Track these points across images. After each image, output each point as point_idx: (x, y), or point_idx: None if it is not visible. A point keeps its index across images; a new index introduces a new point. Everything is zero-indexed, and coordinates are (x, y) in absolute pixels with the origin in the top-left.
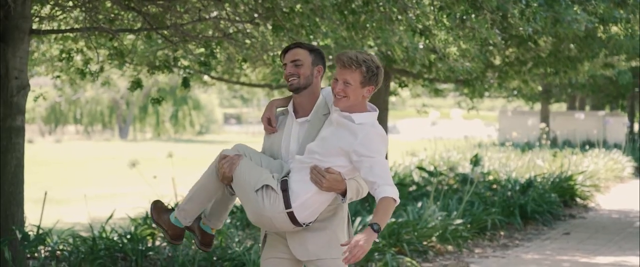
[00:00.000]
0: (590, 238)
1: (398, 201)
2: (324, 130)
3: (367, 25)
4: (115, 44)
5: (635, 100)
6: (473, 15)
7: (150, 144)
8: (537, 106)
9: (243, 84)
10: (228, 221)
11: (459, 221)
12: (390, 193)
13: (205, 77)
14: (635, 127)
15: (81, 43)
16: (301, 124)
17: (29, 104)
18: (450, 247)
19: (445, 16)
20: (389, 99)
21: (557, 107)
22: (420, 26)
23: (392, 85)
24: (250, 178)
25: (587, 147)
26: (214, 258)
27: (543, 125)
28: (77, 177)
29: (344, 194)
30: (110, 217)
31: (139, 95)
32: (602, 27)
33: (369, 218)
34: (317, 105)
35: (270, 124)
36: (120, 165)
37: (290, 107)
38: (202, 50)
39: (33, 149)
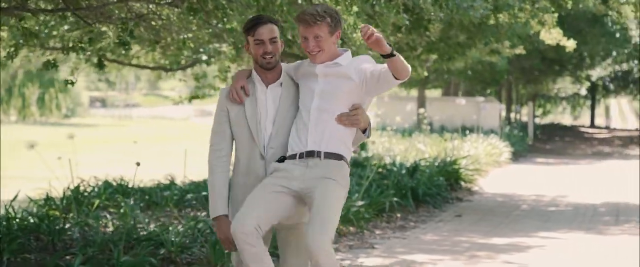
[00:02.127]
0: (482, 220)
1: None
2: (314, 87)
3: (277, 9)
4: (24, 25)
5: (508, 87)
6: (383, 0)
7: (17, 127)
8: (413, 92)
9: (137, 66)
10: (131, 202)
11: (360, 203)
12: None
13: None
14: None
15: None
16: (273, 89)
17: None
18: (352, 228)
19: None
20: None
21: (429, 93)
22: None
23: None
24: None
25: (467, 132)
26: (134, 237)
27: (422, 110)
28: None
29: (364, 130)
30: (15, 198)
31: (6, 77)
32: (494, 15)
33: None
34: (285, 70)
35: (246, 92)
36: None
37: (256, 79)
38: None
39: None
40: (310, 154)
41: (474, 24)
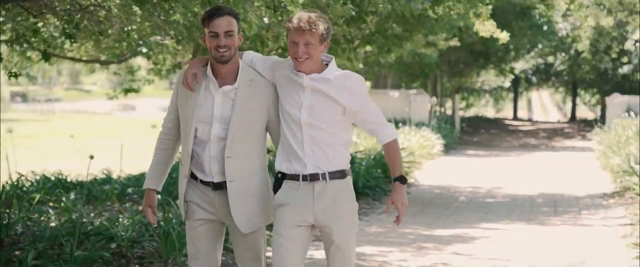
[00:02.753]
0: (421, 212)
1: (395, 136)
2: (300, 99)
3: (222, 1)
4: None
5: (435, 80)
6: None
7: None
8: None
9: (72, 59)
10: (72, 196)
11: None
12: (388, 136)
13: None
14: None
15: None
16: (226, 93)
17: None
18: None
19: None
20: None
21: None
22: (275, 2)
23: None
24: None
25: (400, 125)
26: (83, 231)
27: None
28: None
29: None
30: None
31: None
32: (432, 8)
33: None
34: (241, 72)
35: (197, 81)
36: None
37: (209, 74)
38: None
39: None
40: (314, 177)
41: (413, 16)
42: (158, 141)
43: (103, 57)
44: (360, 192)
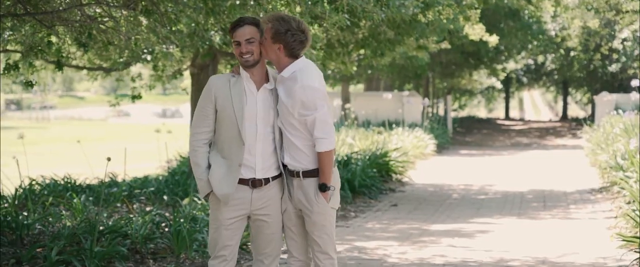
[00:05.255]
0: (417, 209)
1: (331, 147)
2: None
3: (224, 10)
4: None
5: (427, 81)
6: (326, 3)
7: None
8: (338, 87)
9: (77, 67)
10: (82, 198)
11: None
12: (322, 147)
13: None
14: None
15: None
16: (270, 91)
17: None
18: None
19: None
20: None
21: (352, 89)
22: (271, 10)
23: (221, 68)
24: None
25: (394, 126)
26: (99, 229)
27: (349, 105)
28: None
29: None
30: None
31: None
32: (423, 13)
33: None
34: (272, 76)
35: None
36: None
37: (245, 77)
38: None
39: None
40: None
41: (405, 21)
42: (197, 148)
43: (105, 65)
44: (357, 191)
